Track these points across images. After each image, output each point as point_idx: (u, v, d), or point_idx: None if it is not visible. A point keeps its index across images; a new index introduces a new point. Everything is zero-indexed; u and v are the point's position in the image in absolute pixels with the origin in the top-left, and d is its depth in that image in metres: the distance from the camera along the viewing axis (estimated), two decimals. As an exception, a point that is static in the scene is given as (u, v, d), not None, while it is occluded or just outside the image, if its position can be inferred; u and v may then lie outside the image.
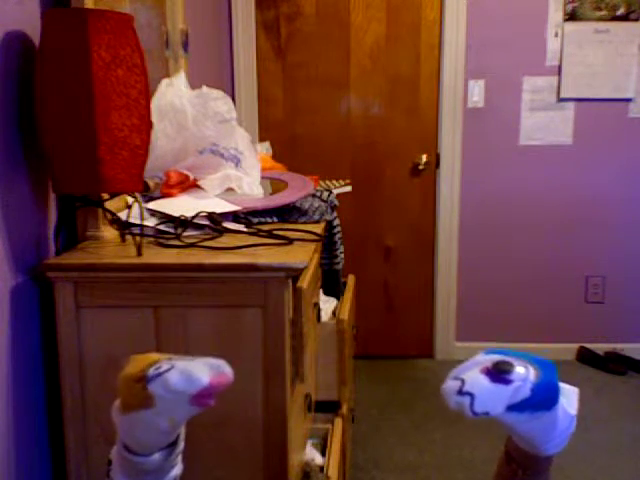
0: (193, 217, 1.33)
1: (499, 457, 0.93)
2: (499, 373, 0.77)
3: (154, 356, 0.77)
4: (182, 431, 0.83)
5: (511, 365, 0.77)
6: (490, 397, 0.76)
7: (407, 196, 3.31)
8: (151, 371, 0.73)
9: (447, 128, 3.20)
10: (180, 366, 0.73)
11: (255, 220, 1.46)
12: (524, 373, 0.77)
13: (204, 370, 0.73)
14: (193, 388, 0.72)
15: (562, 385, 0.83)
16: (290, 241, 1.25)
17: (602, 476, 2.30)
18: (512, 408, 0.77)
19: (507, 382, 0.76)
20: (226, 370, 0.75)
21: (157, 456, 0.78)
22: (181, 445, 0.82)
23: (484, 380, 0.76)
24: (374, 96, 3.24)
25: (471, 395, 0.75)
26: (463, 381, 0.77)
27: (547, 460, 0.87)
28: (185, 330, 1.13)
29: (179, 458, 0.83)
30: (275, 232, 1.31)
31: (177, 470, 0.83)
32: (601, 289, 3.33)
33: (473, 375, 0.77)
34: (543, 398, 0.78)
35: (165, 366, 0.73)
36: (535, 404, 0.78)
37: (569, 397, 0.83)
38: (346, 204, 2.94)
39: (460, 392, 0.76)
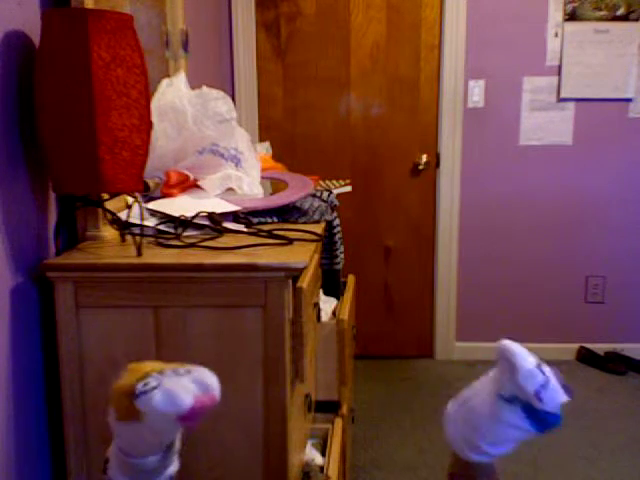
0: (193, 217, 1.33)
1: None
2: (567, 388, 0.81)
3: (149, 367, 0.77)
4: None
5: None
6: (556, 391, 0.80)
7: (407, 196, 3.31)
8: (140, 386, 0.73)
9: (447, 128, 3.20)
10: (166, 385, 0.73)
11: (255, 220, 1.46)
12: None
13: (189, 391, 0.73)
14: (175, 410, 0.72)
15: None
16: (290, 241, 1.25)
17: (602, 476, 2.30)
18: (527, 410, 0.80)
19: (570, 395, 0.80)
20: (214, 390, 0.75)
21: (153, 458, 0.79)
22: (177, 445, 0.83)
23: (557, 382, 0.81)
24: (374, 96, 3.24)
25: (547, 378, 0.79)
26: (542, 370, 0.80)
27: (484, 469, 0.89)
28: (185, 330, 1.13)
29: (175, 456, 0.83)
30: (275, 232, 1.31)
31: (173, 468, 0.83)
32: (601, 289, 3.33)
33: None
34: (546, 422, 0.81)
35: (153, 383, 0.73)
36: (537, 422, 0.81)
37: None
38: (346, 204, 2.94)
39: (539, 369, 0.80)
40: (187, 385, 0.74)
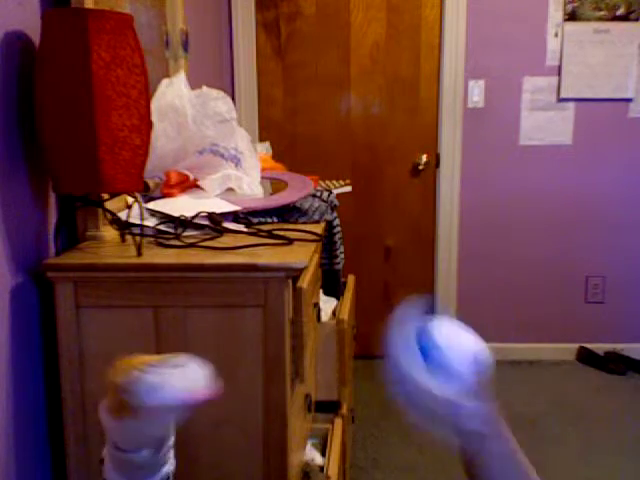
0: (193, 217, 1.33)
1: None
2: None
3: (140, 360, 0.77)
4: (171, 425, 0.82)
5: None
6: None
7: (407, 196, 3.31)
8: (134, 382, 0.73)
9: (447, 128, 3.20)
10: (156, 379, 0.74)
11: (255, 220, 1.46)
12: None
13: (182, 382, 0.74)
14: (167, 402, 0.73)
15: None
16: (290, 241, 1.25)
17: (602, 476, 2.30)
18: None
19: None
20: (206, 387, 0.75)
21: (146, 452, 0.78)
22: (171, 439, 0.82)
23: None
24: (374, 96, 3.24)
25: None
26: None
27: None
28: (185, 330, 1.13)
29: (171, 454, 0.83)
30: (275, 232, 1.30)
31: (170, 467, 0.82)
32: (601, 289, 3.33)
33: None
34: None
35: (144, 377, 0.74)
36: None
37: None
38: (346, 204, 2.93)
39: None
40: (178, 377, 0.74)
